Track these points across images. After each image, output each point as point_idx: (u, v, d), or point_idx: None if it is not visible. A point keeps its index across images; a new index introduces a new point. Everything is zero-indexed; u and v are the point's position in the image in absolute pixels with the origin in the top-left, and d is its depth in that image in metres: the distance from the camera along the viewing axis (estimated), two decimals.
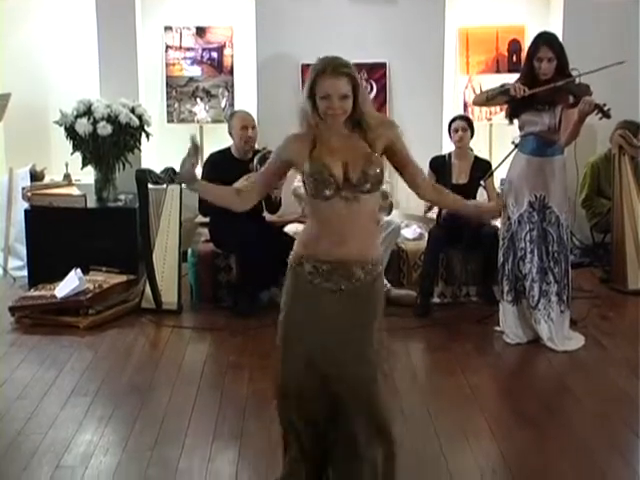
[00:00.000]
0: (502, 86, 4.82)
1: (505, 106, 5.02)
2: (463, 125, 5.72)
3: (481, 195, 5.72)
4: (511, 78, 5.12)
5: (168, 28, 6.93)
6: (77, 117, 6.18)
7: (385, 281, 5.60)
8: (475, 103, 5.27)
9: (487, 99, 4.90)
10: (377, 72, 6.82)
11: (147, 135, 6.44)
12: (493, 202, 5.65)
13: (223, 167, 5.42)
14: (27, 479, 3.41)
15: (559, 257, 4.91)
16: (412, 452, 3.60)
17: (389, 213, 6.10)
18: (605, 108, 4.60)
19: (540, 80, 4.73)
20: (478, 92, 5.21)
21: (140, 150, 6.51)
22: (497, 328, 5.11)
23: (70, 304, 5.35)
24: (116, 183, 6.38)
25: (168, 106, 6.96)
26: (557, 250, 4.90)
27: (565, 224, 4.92)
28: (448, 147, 6.08)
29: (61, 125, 6.24)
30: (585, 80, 4.67)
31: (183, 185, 3.10)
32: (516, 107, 4.86)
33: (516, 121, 4.93)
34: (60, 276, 5.52)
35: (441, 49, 6.81)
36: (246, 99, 6.87)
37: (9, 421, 3.95)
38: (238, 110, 5.93)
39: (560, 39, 4.91)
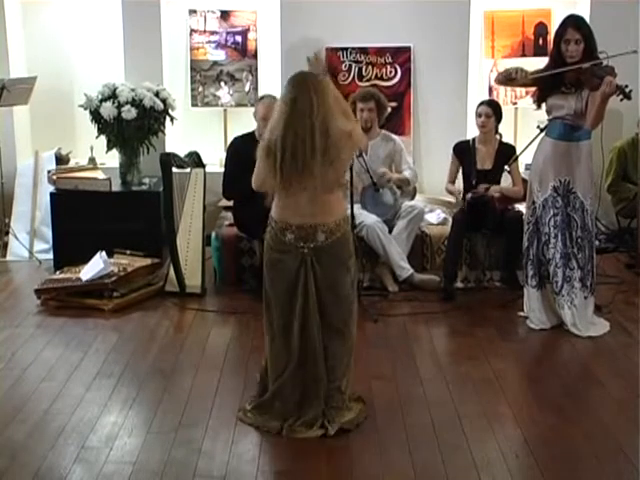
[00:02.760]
0: (508, 71, 4.88)
1: (532, 88, 4.99)
2: (487, 111, 5.67)
3: (505, 180, 5.70)
4: (537, 62, 5.09)
5: (192, 12, 6.94)
6: (102, 101, 6.21)
7: (408, 266, 5.62)
8: (497, 81, 5.24)
9: (506, 78, 4.88)
10: (402, 56, 6.78)
11: (171, 119, 6.46)
12: (518, 187, 5.65)
13: (246, 152, 5.40)
14: (53, 458, 3.45)
15: (583, 243, 4.88)
16: (435, 437, 3.62)
17: (412, 198, 6.09)
18: (627, 89, 4.54)
19: (568, 63, 4.69)
20: (500, 72, 5.15)
21: (164, 134, 6.54)
22: (521, 313, 5.10)
23: (95, 287, 5.39)
24: (140, 167, 6.41)
25: (192, 90, 6.98)
26: (581, 236, 4.87)
27: (590, 210, 4.89)
28: (473, 132, 6.04)
29: (86, 109, 6.27)
30: (612, 63, 4.62)
31: None
32: (543, 91, 4.83)
33: (544, 105, 4.90)
34: (85, 259, 5.56)
35: (466, 33, 6.77)
36: (270, 83, 6.86)
37: (36, 402, 3.99)
38: (266, 96, 5.78)
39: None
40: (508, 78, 4.86)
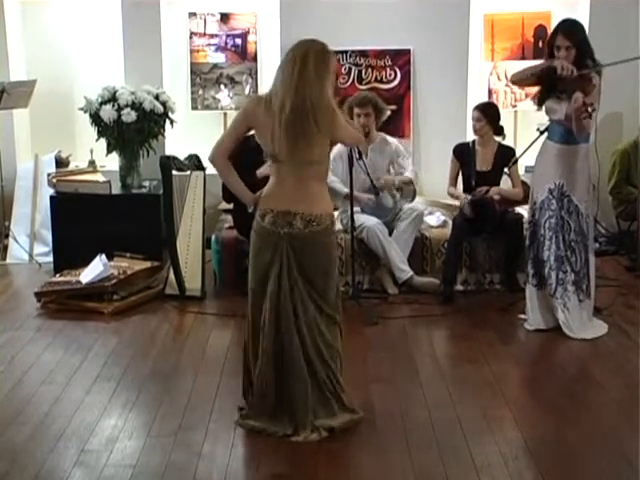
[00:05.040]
0: (549, 62, 4.72)
1: (533, 90, 4.99)
2: (477, 115, 5.65)
3: (505, 182, 5.70)
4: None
5: (192, 14, 6.94)
6: (102, 104, 6.21)
7: (408, 268, 5.62)
8: (514, 80, 5.09)
9: (530, 75, 4.82)
10: (401, 58, 6.79)
11: (171, 122, 6.46)
12: (517, 189, 5.65)
13: (246, 154, 5.41)
14: (53, 462, 3.45)
15: (577, 246, 4.86)
16: (435, 439, 3.62)
17: (412, 200, 6.09)
18: (589, 109, 4.49)
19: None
20: (522, 69, 5.05)
21: (164, 137, 6.54)
22: (521, 316, 5.10)
23: (95, 290, 5.39)
24: (140, 170, 6.41)
25: (192, 93, 6.98)
26: (575, 239, 4.86)
27: (585, 213, 4.87)
28: (473, 134, 6.04)
29: (86, 112, 6.28)
30: (612, 67, 4.61)
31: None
32: (542, 93, 4.83)
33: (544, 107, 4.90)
34: (85, 262, 5.56)
35: (466, 36, 6.77)
36: (270, 86, 6.84)
37: (36, 405, 3.99)
38: (249, 96, 5.81)
39: (586, 26, 4.84)
40: (549, 69, 4.68)
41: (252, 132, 5.75)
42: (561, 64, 4.60)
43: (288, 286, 3.59)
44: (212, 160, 3.75)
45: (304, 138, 3.50)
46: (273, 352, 3.63)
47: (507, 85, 6.73)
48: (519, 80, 5.01)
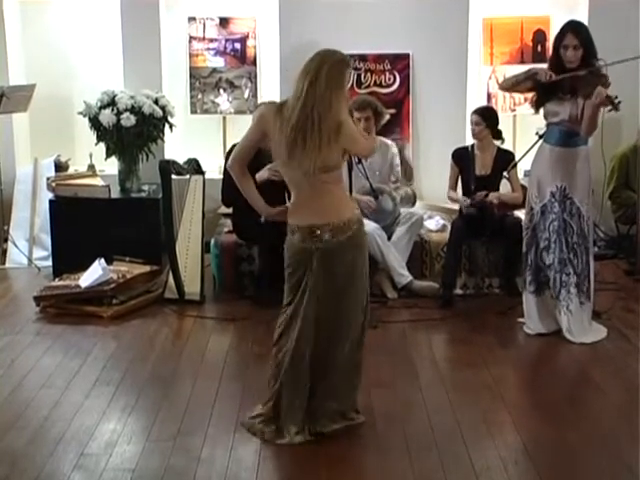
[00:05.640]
0: (529, 71, 4.81)
1: (530, 94, 5.00)
2: (476, 119, 5.65)
3: (504, 186, 5.70)
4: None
5: (192, 19, 6.95)
6: (101, 108, 6.22)
7: (407, 273, 5.62)
8: (502, 88, 5.26)
9: (514, 84, 4.88)
10: (400, 63, 6.80)
11: (170, 126, 6.46)
12: (516, 193, 5.66)
13: None
14: (52, 465, 3.45)
15: (579, 249, 4.87)
16: (435, 444, 3.61)
17: (413, 204, 6.10)
18: (616, 101, 4.54)
19: (566, 68, 4.71)
20: (508, 77, 5.14)
21: (163, 141, 6.54)
22: (520, 320, 5.10)
23: (94, 294, 5.39)
24: (140, 174, 6.41)
25: (191, 97, 6.98)
26: (577, 242, 4.87)
27: (586, 215, 4.88)
28: (471, 138, 6.04)
29: (85, 116, 6.28)
30: (613, 69, 4.62)
31: None
32: (541, 96, 4.84)
33: (541, 111, 4.90)
34: (84, 266, 5.56)
35: (465, 40, 6.78)
36: (269, 90, 6.87)
37: (35, 409, 3.99)
38: (264, 103, 5.81)
39: None
40: (530, 77, 4.77)
41: None
42: (543, 71, 4.72)
43: (317, 298, 3.57)
44: (230, 168, 3.75)
45: (308, 148, 3.47)
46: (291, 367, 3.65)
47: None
48: (509, 87, 5.06)
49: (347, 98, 3.62)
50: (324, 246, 3.54)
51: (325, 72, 3.46)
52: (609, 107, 4.56)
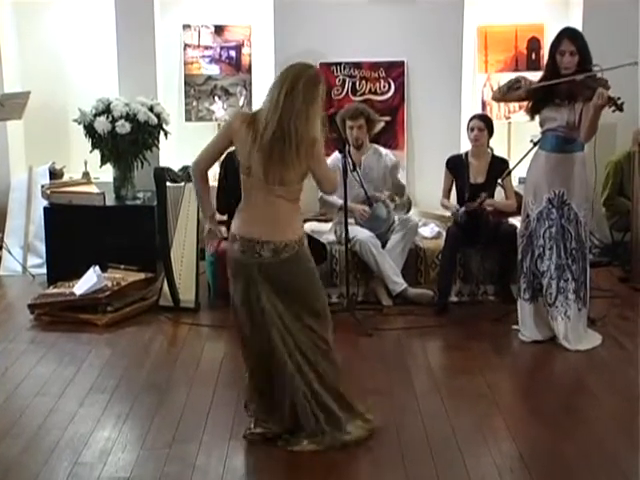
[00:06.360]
0: (511, 81, 4.90)
1: (524, 103, 5.02)
2: (480, 125, 5.67)
3: (499, 194, 5.71)
4: (530, 76, 5.10)
5: (187, 26, 6.95)
6: (96, 115, 6.22)
7: (402, 280, 5.62)
8: (494, 99, 5.31)
9: (504, 94, 4.93)
10: (395, 70, 6.81)
11: (165, 133, 6.46)
12: (511, 201, 5.66)
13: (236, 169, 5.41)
14: (47, 474, 3.44)
15: (577, 255, 4.89)
16: (430, 451, 3.61)
17: (408, 212, 6.11)
18: (618, 101, 4.56)
19: (562, 74, 4.72)
20: (496, 88, 5.21)
21: (158, 148, 6.54)
22: (515, 327, 5.10)
23: (88, 301, 5.38)
24: (134, 181, 6.41)
25: (186, 104, 6.99)
26: (575, 247, 4.88)
27: (584, 221, 4.90)
28: (466, 146, 6.06)
29: (80, 123, 6.28)
30: (610, 75, 4.64)
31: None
32: (536, 103, 4.85)
33: (537, 118, 4.92)
34: (79, 274, 5.55)
35: (460, 47, 6.80)
36: (264, 98, 6.85)
37: (29, 417, 3.98)
38: (239, 111, 5.84)
39: None
40: (512, 87, 4.86)
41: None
42: (523, 78, 4.85)
43: (269, 307, 3.57)
44: (193, 169, 3.77)
45: (281, 161, 3.45)
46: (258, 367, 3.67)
47: None
48: (499, 98, 5.12)
49: (322, 114, 3.55)
50: (263, 261, 3.55)
51: (302, 85, 3.45)
52: (612, 108, 4.57)
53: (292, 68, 3.55)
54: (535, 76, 5.06)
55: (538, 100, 4.84)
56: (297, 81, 3.46)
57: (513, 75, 5.62)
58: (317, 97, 3.50)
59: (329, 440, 3.60)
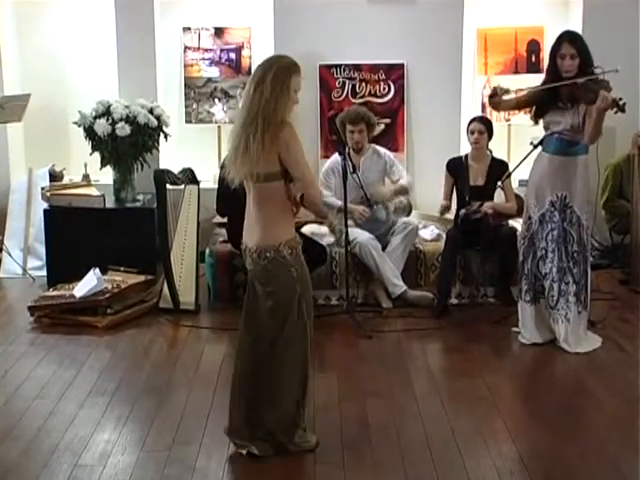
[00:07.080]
0: (495, 88, 4.98)
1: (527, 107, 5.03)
2: (480, 127, 5.68)
3: (498, 196, 5.71)
4: (530, 78, 5.12)
5: (186, 29, 6.96)
6: (96, 118, 6.22)
7: (401, 283, 5.62)
8: (493, 107, 5.28)
9: (497, 103, 4.95)
10: (395, 73, 6.81)
11: (165, 135, 6.46)
12: (511, 203, 5.67)
13: None
14: (46, 476, 3.44)
15: (578, 257, 4.89)
16: (430, 454, 3.61)
17: (408, 214, 6.11)
18: (621, 102, 4.56)
19: (563, 78, 4.73)
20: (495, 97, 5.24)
21: (158, 150, 6.54)
22: (515, 329, 5.10)
23: (88, 304, 5.38)
24: (134, 183, 6.41)
25: (186, 107, 6.99)
26: (577, 250, 4.88)
27: (586, 224, 4.90)
28: (466, 148, 6.06)
29: (80, 126, 6.28)
30: (613, 77, 4.65)
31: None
32: (540, 107, 4.86)
33: (541, 122, 4.92)
34: (79, 276, 5.55)
35: (459, 50, 6.80)
36: None
37: (29, 419, 3.98)
38: None
39: None
40: (490, 96, 4.95)
41: None
42: (496, 86, 4.96)
43: (255, 313, 3.58)
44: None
45: (246, 151, 3.38)
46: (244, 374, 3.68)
47: None
48: (495, 106, 5.12)
49: (294, 103, 3.46)
50: (251, 267, 3.55)
51: (270, 77, 3.41)
52: (615, 109, 4.58)
53: (265, 60, 3.55)
54: (535, 79, 5.07)
55: (542, 104, 4.84)
56: (267, 72, 3.44)
57: (513, 77, 5.66)
58: (288, 86, 3.44)
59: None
